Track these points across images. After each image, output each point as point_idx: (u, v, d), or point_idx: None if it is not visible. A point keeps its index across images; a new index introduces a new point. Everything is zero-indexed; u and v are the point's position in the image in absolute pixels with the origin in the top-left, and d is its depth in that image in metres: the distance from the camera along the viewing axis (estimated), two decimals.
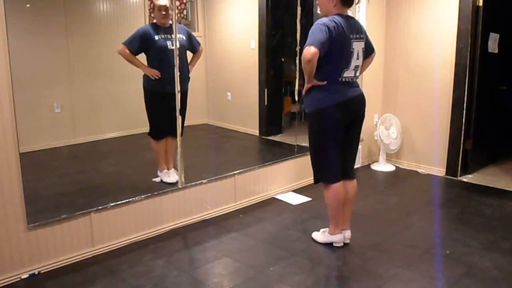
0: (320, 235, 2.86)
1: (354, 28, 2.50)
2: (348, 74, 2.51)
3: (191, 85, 3.47)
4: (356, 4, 2.61)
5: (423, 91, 4.29)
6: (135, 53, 3.22)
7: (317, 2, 2.61)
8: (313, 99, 2.56)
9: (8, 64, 2.22)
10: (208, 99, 5.46)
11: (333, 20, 2.41)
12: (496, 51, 4.15)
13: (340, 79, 2.50)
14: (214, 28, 5.44)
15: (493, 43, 4.10)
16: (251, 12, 5.03)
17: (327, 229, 2.82)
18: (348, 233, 2.79)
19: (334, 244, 2.78)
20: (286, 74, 5.26)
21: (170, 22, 3.27)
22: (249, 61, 5.14)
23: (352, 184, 2.73)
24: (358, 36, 2.51)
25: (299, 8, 3.83)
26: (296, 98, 4.06)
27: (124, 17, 4.62)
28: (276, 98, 5.16)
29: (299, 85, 3.97)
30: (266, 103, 5.03)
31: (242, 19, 5.30)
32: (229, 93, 5.42)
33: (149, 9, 4.58)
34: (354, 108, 2.60)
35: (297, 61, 4.06)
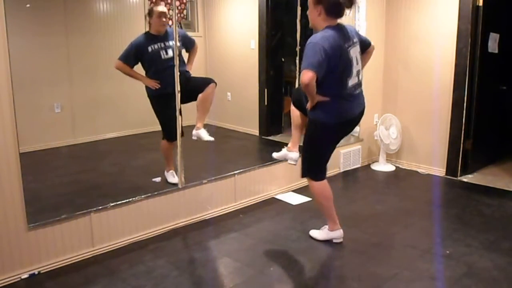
0: (319, 232, 2.89)
1: (346, 36, 2.47)
2: (352, 81, 2.52)
3: None
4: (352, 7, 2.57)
5: (423, 91, 4.29)
6: (132, 65, 3.24)
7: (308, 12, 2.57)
8: (319, 113, 2.55)
9: (8, 64, 2.22)
10: None
11: (325, 36, 2.37)
12: (496, 51, 4.15)
13: (344, 90, 2.50)
14: (214, 28, 5.44)
15: (493, 43, 4.10)
16: (251, 12, 5.03)
17: (327, 226, 2.85)
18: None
19: (334, 240, 2.81)
20: (286, 74, 5.26)
21: (166, 28, 3.29)
22: (249, 61, 5.14)
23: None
24: (351, 42, 2.50)
25: (299, 8, 3.83)
26: None
27: (124, 17, 4.62)
28: (276, 98, 5.15)
29: (299, 85, 3.97)
30: (266, 103, 5.03)
31: (242, 19, 5.30)
32: (229, 93, 5.42)
33: (145, 16, 4.58)
34: (354, 123, 2.72)
35: (297, 61, 4.06)
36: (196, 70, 3.61)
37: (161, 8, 3.22)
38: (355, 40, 2.55)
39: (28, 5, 3.85)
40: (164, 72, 3.20)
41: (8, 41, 2.21)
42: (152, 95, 3.32)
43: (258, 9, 4.94)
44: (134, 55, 3.23)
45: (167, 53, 3.25)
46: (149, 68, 3.28)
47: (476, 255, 2.65)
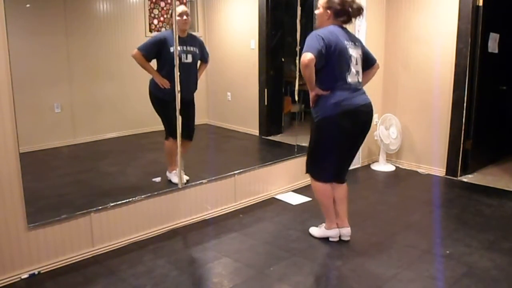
0: (317, 230, 2.91)
1: (349, 35, 2.59)
2: (352, 78, 2.56)
3: None
4: (358, 19, 2.70)
5: (423, 91, 4.29)
6: (149, 59, 3.20)
7: (315, 12, 2.68)
8: (320, 108, 2.57)
9: (8, 64, 2.22)
10: (208, 99, 5.46)
11: (326, 29, 2.52)
12: (496, 51, 4.15)
13: (344, 84, 2.53)
14: (214, 28, 5.44)
15: (493, 43, 4.10)
16: (251, 12, 5.03)
17: (324, 224, 2.87)
18: (345, 230, 2.82)
19: (330, 239, 2.83)
20: (286, 74, 5.26)
21: (188, 30, 3.28)
22: (249, 61, 5.14)
23: (342, 187, 2.80)
24: (353, 43, 2.59)
25: (299, 8, 3.83)
26: (296, 98, 4.06)
27: (124, 17, 4.62)
28: (276, 98, 5.16)
29: (299, 85, 3.97)
30: (266, 103, 5.03)
31: (242, 19, 5.30)
32: (229, 93, 5.42)
33: (149, 9, 4.57)
34: (363, 120, 2.63)
35: (297, 61, 4.06)
36: None
37: (182, 7, 3.20)
38: (357, 44, 2.64)
39: (28, 5, 3.85)
40: (179, 75, 3.13)
41: (8, 41, 2.21)
42: (158, 97, 3.28)
43: (258, 9, 4.94)
44: (155, 51, 3.19)
45: (187, 58, 3.24)
46: (165, 68, 3.20)
47: (476, 255, 2.65)
